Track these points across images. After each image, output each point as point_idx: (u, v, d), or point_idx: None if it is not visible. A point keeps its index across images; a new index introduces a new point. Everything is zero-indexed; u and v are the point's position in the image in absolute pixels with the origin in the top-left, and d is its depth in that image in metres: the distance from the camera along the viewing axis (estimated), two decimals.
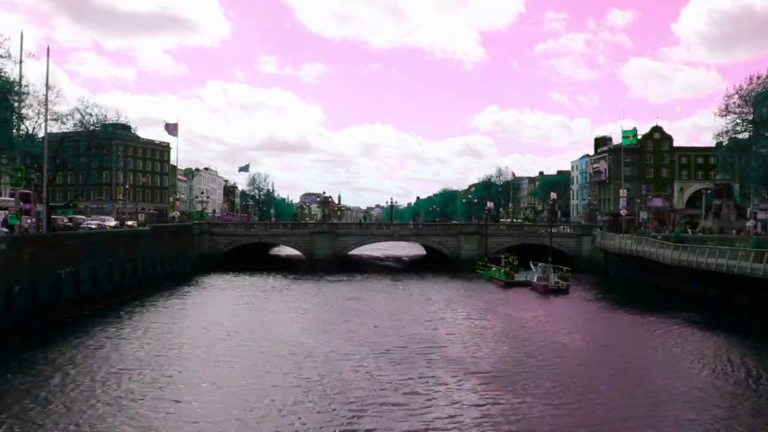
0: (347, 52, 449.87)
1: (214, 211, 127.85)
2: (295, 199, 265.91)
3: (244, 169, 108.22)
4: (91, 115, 47.32)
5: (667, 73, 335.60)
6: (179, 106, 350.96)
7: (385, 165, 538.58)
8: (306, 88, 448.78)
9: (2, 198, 49.95)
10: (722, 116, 50.84)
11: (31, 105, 41.41)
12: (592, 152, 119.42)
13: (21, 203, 38.89)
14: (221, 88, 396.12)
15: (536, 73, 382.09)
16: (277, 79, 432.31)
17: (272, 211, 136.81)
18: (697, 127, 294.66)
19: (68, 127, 46.66)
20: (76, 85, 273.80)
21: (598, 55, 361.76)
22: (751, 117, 50.15)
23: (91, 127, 47.46)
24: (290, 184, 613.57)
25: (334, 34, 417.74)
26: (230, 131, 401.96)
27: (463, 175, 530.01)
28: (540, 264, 56.55)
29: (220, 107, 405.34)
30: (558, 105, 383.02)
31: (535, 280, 54.01)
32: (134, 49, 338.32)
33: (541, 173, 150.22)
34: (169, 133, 75.24)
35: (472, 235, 72.23)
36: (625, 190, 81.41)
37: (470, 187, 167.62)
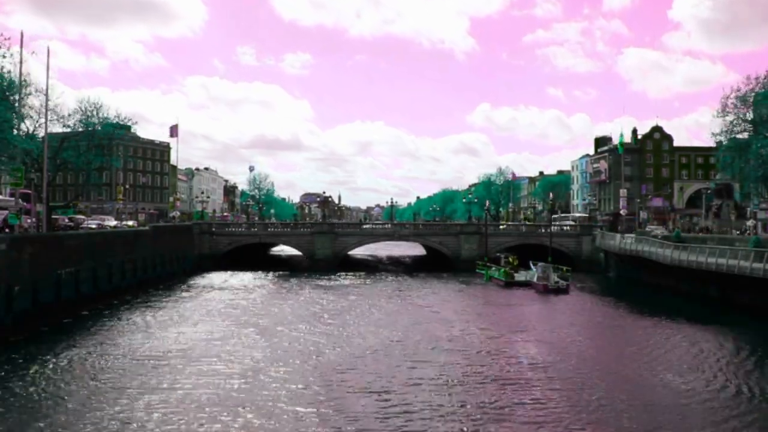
0: (327, 41, 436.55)
1: (214, 211, 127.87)
2: (295, 199, 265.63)
3: (252, 169, 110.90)
4: (93, 115, 47.30)
5: (668, 65, 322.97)
6: (160, 102, 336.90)
7: (380, 163, 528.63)
8: (290, 80, 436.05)
9: (2, 198, 49.94)
10: (719, 117, 50.82)
11: (32, 106, 41.45)
12: (591, 149, 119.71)
13: (24, 203, 38.86)
14: (200, 83, 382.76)
15: (530, 65, 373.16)
16: (258, 71, 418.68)
17: (272, 211, 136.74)
18: (699, 124, 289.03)
19: (70, 126, 46.66)
20: (51, 78, 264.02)
21: (594, 44, 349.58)
22: (750, 117, 50.08)
23: (92, 127, 47.43)
24: (287, 183, 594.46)
25: (309, 22, 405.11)
26: (217, 128, 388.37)
27: (459, 174, 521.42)
28: (540, 264, 56.54)
29: (203, 103, 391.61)
30: (553, 100, 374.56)
31: (535, 279, 54.01)
32: (102, 39, 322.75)
33: (541, 173, 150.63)
34: (171, 135, 75.91)
35: (472, 235, 72.24)
36: (625, 190, 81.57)
37: (470, 186, 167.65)
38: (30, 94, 39.96)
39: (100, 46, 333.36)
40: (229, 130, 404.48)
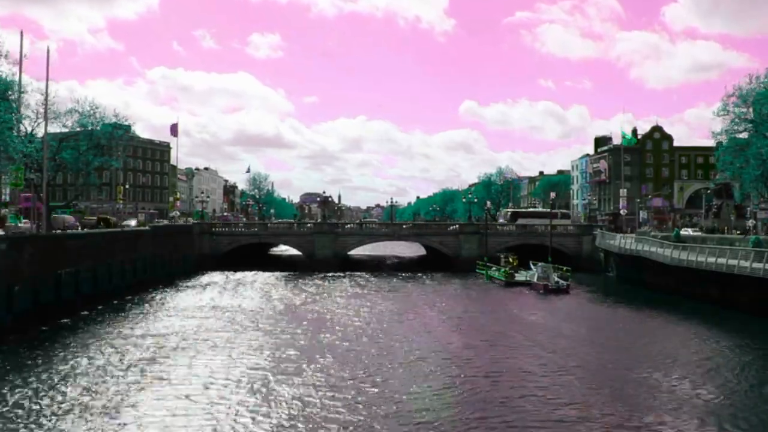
0: (290, 21, 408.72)
1: (214, 210, 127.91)
2: (294, 198, 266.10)
3: (248, 170, 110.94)
4: (91, 115, 47.24)
5: (668, 49, 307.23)
6: (124, 94, 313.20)
7: (374, 160, 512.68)
8: (260, 67, 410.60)
9: None
10: (720, 116, 50.85)
11: (29, 105, 41.44)
12: (591, 144, 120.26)
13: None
14: (162, 74, 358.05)
15: (516, 50, 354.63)
16: (223, 56, 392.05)
17: (272, 211, 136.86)
18: (700, 118, 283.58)
19: (67, 126, 46.60)
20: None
21: (588, 24, 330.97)
22: (750, 116, 50.04)
23: (91, 127, 47.39)
24: (280, 182, 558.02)
25: None
26: (195, 124, 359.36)
27: (453, 172, 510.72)
28: (540, 264, 56.51)
29: (172, 95, 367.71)
30: (545, 91, 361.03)
31: (535, 279, 53.97)
32: (39, 18, 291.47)
33: (541, 173, 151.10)
34: (172, 134, 76.33)
35: (472, 234, 72.23)
36: (625, 190, 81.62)
37: (470, 186, 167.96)
38: (26, 93, 39.92)
39: (38, 25, 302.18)
40: (210, 126, 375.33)
